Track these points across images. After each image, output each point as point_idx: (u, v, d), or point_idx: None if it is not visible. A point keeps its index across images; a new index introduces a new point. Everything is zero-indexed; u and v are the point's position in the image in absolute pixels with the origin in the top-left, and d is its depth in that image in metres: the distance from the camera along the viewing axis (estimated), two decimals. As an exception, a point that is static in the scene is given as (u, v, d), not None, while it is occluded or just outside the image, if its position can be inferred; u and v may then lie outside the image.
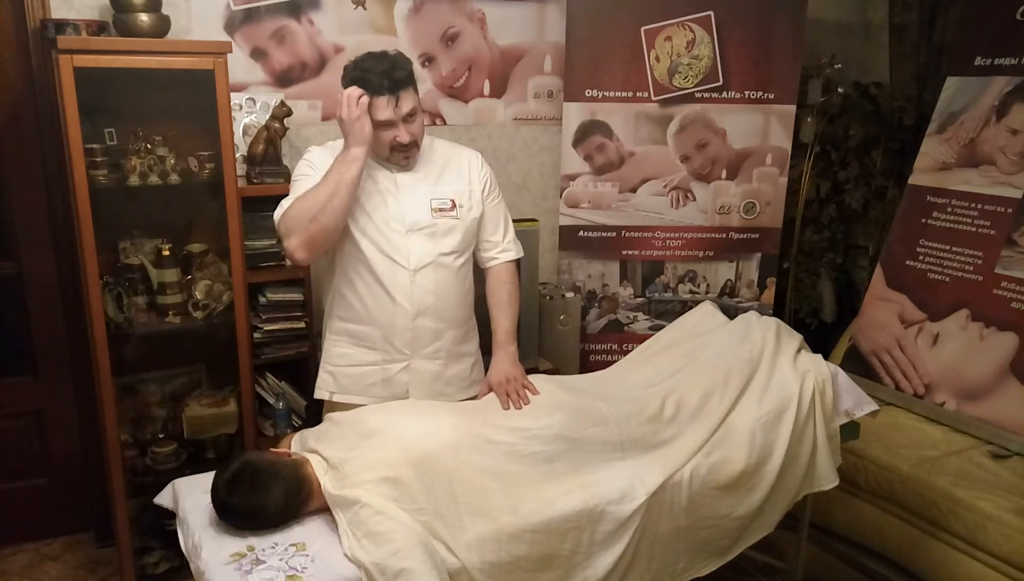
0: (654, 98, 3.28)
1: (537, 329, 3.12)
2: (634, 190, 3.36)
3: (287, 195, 2.13)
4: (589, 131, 3.30)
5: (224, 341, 2.68)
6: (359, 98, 1.97)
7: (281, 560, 1.64)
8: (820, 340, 3.36)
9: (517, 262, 2.32)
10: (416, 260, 2.10)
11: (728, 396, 2.11)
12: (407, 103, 2.02)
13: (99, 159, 2.46)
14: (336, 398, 2.19)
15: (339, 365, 2.19)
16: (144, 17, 2.43)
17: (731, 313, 2.51)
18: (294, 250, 2.01)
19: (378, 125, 2.03)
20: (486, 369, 2.23)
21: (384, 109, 2.00)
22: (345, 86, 2.03)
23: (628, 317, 3.47)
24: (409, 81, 2.03)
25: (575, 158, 3.32)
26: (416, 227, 2.10)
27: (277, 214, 2.05)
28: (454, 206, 2.15)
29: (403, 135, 2.04)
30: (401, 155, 2.09)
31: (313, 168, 2.07)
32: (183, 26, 2.75)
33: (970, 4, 3.28)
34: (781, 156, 3.36)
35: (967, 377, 2.85)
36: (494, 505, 1.78)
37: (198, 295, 2.62)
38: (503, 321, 2.23)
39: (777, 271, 3.53)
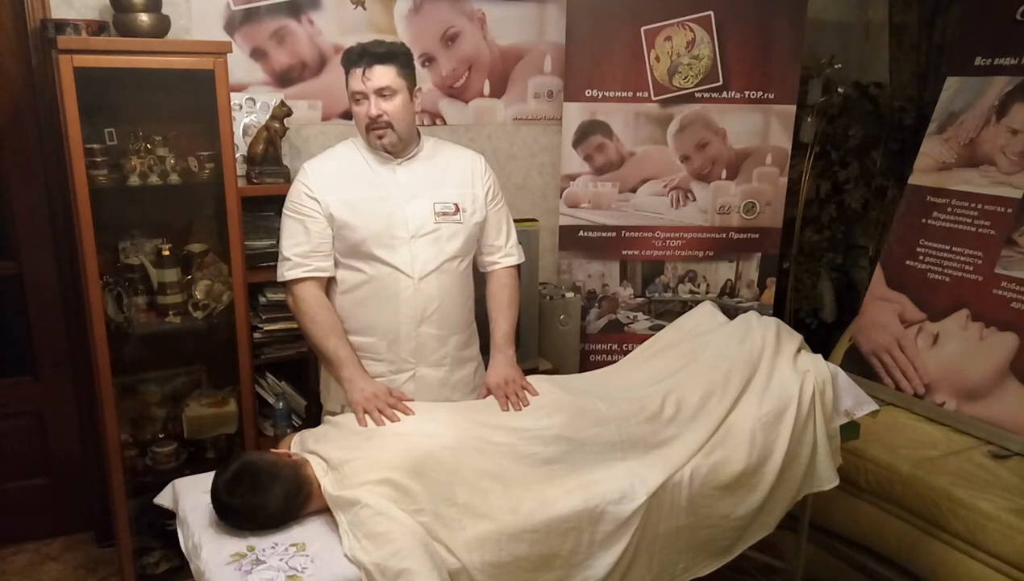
0: (654, 98, 3.28)
1: (537, 329, 3.12)
2: (634, 190, 3.36)
3: (284, 198, 2.15)
4: (589, 131, 3.30)
5: (224, 341, 2.68)
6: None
7: (281, 560, 1.64)
8: (820, 340, 3.36)
9: (518, 266, 2.32)
10: (420, 267, 2.10)
11: (728, 396, 2.11)
12: (380, 78, 2.02)
13: (99, 159, 2.46)
14: (347, 410, 2.13)
15: None
16: (144, 17, 2.43)
17: (731, 313, 2.51)
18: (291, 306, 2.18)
19: (352, 99, 2.07)
20: (488, 371, 2.22)
21: (355, 79, 2.04)
22: (343, 67, 2.08)
23: (628, 317, 3.47)
24: (389, 59, 2.03)
25: (575, 158, 3.32)
26: (420, 233, 2.10)
27: (280, 276, 2.15)
28: (457, 210, 2.15)
29: (372, 108, 2.04)
30: (375, 135, 2.08)
31: (302, 206, 2.10)
32: (183, 26, 2.75)
33: (970, 4, 3.28)
34: (781, 156, 3.36)
35: (967, 377, 2.85)
36: (494, 506, 1.78)
37: (198, 295, 2.62)
38: (503, 323, 2.23)
39: (777, 271, 3.53)
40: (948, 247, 3.02)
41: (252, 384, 2.70)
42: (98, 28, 2.54)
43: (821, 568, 2.76)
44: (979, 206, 2.97)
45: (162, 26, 2.48)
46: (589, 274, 3.43)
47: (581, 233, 3.38)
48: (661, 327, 2.55)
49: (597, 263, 3.42)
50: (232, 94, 2.59)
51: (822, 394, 2.17)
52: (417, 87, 2.14)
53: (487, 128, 3.37)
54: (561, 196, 3.36)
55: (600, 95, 3.26)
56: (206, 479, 1.81)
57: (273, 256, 2.73)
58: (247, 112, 2.88)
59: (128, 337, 2.60)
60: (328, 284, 2.17)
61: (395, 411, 1.97)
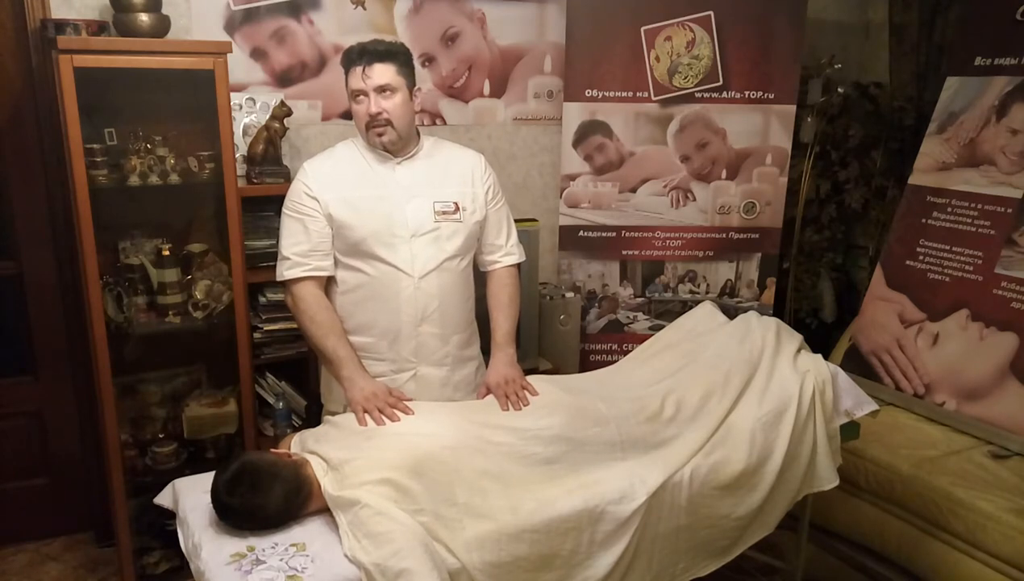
0: (654, 98, 3.28)
1: (537, 329, 3.12)
2: (634, 190, 3.36)
3: (284, 198, 2.15)
4: (589, 131, 3.30)
5: (224, 341, 2.68)
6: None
7: (281, 560, 1.64)
8: (820, 340, 3.36)
9: (518, 265, 2.32)
10: (421, 266, 2.10)
11: (728, 396, 2.11)
12: (380, 75, 2.03)
13: (99, 159, 2.46)
14: (348, 410, 2.11)
15: None
16: (144, 17, 2.43)
17: (731, 313, 2.51)
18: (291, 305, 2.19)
19: (352, 97, 2.08)
20: (489, 372, 2.22)
21: (354, 77, 2.05)
22: (343, 66, 2.09)
23: (628, 317, 3.47)
24: (388, 57, 2.04)
25: (575, 158, 3.32)
26: (420, 232, 2.10)
27: (280, 275, 2.15)
28: (457, 209, 2.15)
29: (372, 105, 2.04)
30: (375, 133, 2.08)
31: (302, 205, 2.10)
32: (183, 26, 2.75)
33: (970, 4, 3.28)
34: (781, 156, 3.36)
35: (967, 377, 2.85)
36: (494, 506, 1.78)
37: (198, 295, 2.62)
38: (503, 322, 2.23)
39: (777, 271, 3.53)
40: (948, 247, 3.02)
41: (252, 384, 2.70)
42: (98, 28, 2.54)
43: (821, 568, 2.76)
44: (979, 206, 2.97)
45: (162, 26, 2.48)
46: (589, 274, 3.43)
47: (581, 233, 3.39)
48: (661, 327, 2.55)
49: (597, 263, 3.42)
50: (232, 94, 2.59)
51: (822, 394, 2.17)
52: (417, 87, 2.14)
53: (487, 128, 3.37)
54: (561, 196, 3.36)
55: (600, 95, 3.26)
56: (206, 479, 1.82)
57: (273, 256, 2.72)
58: (247, 112, 2.88)
59: (128, 337, 2.60)
60: (328, 284, 2.17)
61: (395, 411, 1.97)
